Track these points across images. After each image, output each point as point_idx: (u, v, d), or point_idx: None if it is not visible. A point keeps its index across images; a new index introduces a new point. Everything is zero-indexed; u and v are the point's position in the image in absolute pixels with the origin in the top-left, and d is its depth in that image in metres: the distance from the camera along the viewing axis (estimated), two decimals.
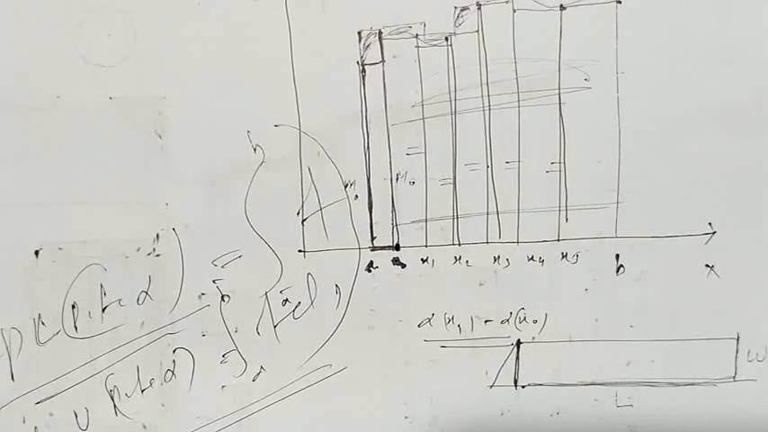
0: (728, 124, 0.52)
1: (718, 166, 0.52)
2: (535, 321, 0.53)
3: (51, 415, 0.53)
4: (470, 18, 0.52)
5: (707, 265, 0.52)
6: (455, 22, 0.52)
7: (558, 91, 0.52)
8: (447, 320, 0.53)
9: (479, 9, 0.52)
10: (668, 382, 0.53)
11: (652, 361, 0.53)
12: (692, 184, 0.52)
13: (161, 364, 0.53)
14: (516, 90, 0.52)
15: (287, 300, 0.53)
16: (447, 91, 0.52)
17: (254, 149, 0.52)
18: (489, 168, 0.52)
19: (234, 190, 0.52)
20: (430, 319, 0.53)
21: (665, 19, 0.51)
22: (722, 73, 0.51)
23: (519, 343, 0.53)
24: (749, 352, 0.53)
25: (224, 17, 0.51)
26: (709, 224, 0.52)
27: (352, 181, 0.53)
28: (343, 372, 0.53)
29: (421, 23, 0.52)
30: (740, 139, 0.52)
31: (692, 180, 0.52)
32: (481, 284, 0.53)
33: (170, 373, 0.53)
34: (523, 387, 0.54)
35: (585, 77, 0.52)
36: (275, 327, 0.53)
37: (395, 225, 0.53)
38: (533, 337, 0.53)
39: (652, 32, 0.51)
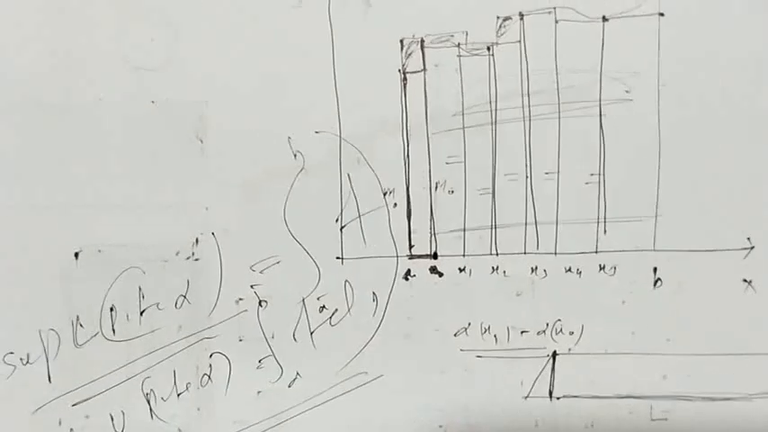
0: None
1: (758, 180, 0.52)
2: (571, 333, 0.53)
3: (87, 417, 0.53)
4: (512, 28, 0.52)
5: (744, 280, 0.52)
6: (497, 31, 0.52)
7: (598, 102, 0.52)
8: (483, 330, 0.53)
9: (522, 19, 0.51)
10: (704, 397, 0.53)
11: (688, 375, 0.53)
12: (732, 199, 0.52)
13: (197, 368, 0.53)
14: (557, 101, 0.52)
15: (324, 306, 0.53)
16: (488, 100, 0.52)
17: (295, 155, 0.52)
18: (528, 179, 0.52)
19: (273, 195, 0.52)
20: (466, 329, 0.53)
21: (708, 31, 0.51)
22: (765, 87, 0.51)
23: (555, 354, 0.53)
24: None
25: (266, 23, 0.51)
26: (748, 239, 0.52)
27: (391, 189, 0.53)
28: (378, 379, 0.53)
29: (463, 32, 0.52)
30: None
31: (731, 194, 0.52)
32: (518, 295, 0.53)
33: (206, 377, 0.53)
34: (558, 398, 0.54)
35: (627, 89, 0.52)
36: (312, 333, 0.53)
37: (433, 234, 0.53)
38: (569, 349, 0.53)
39: (694, 45, 0.51)
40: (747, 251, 0.52)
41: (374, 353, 0.53)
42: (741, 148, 0.51)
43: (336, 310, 0.53)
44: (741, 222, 0.52)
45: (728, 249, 0.52)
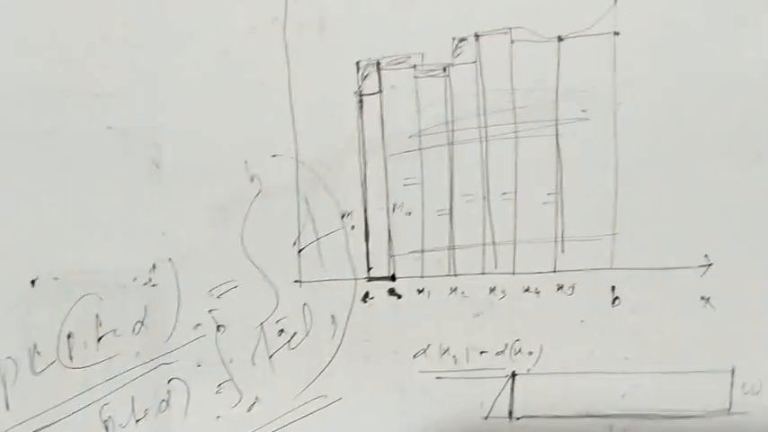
0: (726, 156, 0.51)
1: (715, 197, 0.52)
2: (530, 353, 0.53)
3: None
4: (468, 49, 0.52)
5: (703, 297, 0.52)
6: (453, 52, 0.52)
7: (555, 122, 0.52)
8: (442, 351, 0.53)
9: (477, 40, 0.52)
10: (663, 415, 0.53)
11: (647, 393, 0.53)
12: (689, 216, 0.52)
13: (156, 394, 0.53)
14: (514, 121, 0.52)
15: (282, 330, 0.53)
16: (444, 121, 0.52)
17: (251, 179, 0.52)
18: (486, 199, 0.52)
19: (230, 220, 0.52)
20: (425, 350, 0.53)
21: (663, 50, 0.51)
22: (721, 105, 0.51)
23: (514, 374, 0.53)
24: (744, 385, 0.53)
25: (222, 47, 0.51)
26: (706, 256, 0.52)
27: (348, 211, 0.53)
28: (338, 402, 0.53)
29: (419, 54, 0.52)
30: (737, 170, 0.51)
31: (688, 211, 0.52)
32: (477, 315, 0.53)
33: (165, 403, 0.53)
34: (518, 419, 0.54)
35: (583, 109, 0.52)
36: (270, 357, 0.53)
37: (391, 256, 0.53)
38: (528, 369, 0.53)
39: (650, 64, 0.51)
40: (705, 268, 0.52)
41: (333, 376, 0.53)
42: (697, 166, 0.51)
43: (295, 333, 0.53)
44: (698, 239, 0.52)
45: (686, 267, 0.52)
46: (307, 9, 0.51)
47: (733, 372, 0.53)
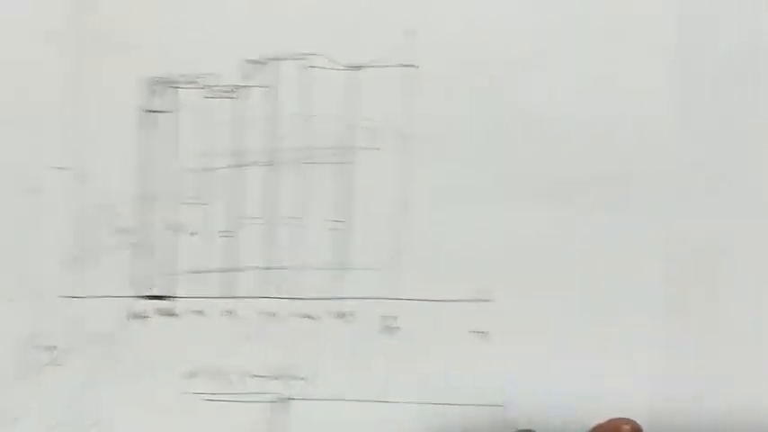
0: (516, 194, 0.52)
1: (499, 235, 0.53)
2: (303, 379, 0.53)
3: None
4: (263, 72, 0.52)
5: (479, 332, 0.53)
6: (247, 75, 0.52)
7: (347, 150, 0.52)
8: (214, 373, 0.53)
9: (273, 64, 0.52)
10: None
11: (419, 424, 0.53)
12: (471, 250, 0.53)
13: None
14: (305, 147, 0.52)
15: (49, 344, 0.52)
16: (235, 143, 0.52)
17: (30, 189, 0.51)
18: (270, 223, 0.52)
19: (2, 226, 0.51)
20: (197, 371, 0.53)
21: (463, 86, 0.52)
22: (514, 143, 0.52)
23: (286, 399, 0.53)
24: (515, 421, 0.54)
25: (9, 48, 0.50)
26: (486, 291, 0.53)
27: (130, 226, 0.52)
28: (102, 422, 0.52)
29: (212, 74, 0.52)
30: (522, 208, 0.52)
31: (471, 246, 0.53)
32: (251, 338, 0.53)
33: None
34: None
35: (375, 139, 0.52)
36: (36, 372, 0.52)
37: (169, 274, 0.52)
38: (301, 395, 0.53)
39: (448, 99, 0.52)
40: (484, 303, 0.53)
41: (100, 393, 0.52)
42: (486, 203, 0.52)
43: (59, 348, 0.52)
44: (479, 274, 0.53)
45: (465, 300, 0.53)
46: (101, 20, 0.51)
47: (504, 408, 0.53)
